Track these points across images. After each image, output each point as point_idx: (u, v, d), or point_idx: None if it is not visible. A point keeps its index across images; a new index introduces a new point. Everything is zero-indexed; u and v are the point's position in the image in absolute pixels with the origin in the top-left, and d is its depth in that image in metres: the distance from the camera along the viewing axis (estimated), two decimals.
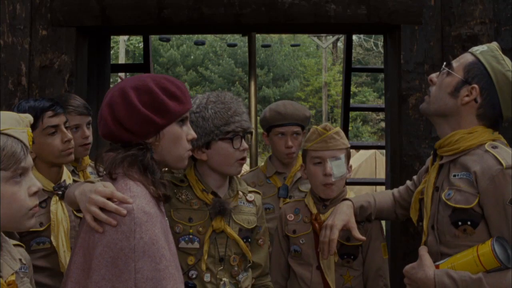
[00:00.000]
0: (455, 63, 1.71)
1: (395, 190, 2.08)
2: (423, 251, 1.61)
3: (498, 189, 1.51)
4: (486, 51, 1.68)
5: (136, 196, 1.27)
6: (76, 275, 1.26)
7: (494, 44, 1.72)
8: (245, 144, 1.83)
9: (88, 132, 2.17)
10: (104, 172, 1.37)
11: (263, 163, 2.70)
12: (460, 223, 1.58)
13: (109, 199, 1.25)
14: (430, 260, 1.58)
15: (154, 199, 1.32)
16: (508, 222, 1.49)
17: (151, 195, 1.31)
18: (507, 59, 1.67)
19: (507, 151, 1.56)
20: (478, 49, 1.70)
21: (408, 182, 2.04)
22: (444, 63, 1.74)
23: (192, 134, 1.45)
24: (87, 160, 2.22)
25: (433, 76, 1.76)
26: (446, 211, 1.62)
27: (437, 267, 1.57)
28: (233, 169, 1.83)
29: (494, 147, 1.59)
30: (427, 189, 1.73)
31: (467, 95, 1.64)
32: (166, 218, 1.39)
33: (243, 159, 1.84)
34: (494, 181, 1.51)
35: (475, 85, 1.64)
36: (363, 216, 1.97)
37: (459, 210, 1.59)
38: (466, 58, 1.70)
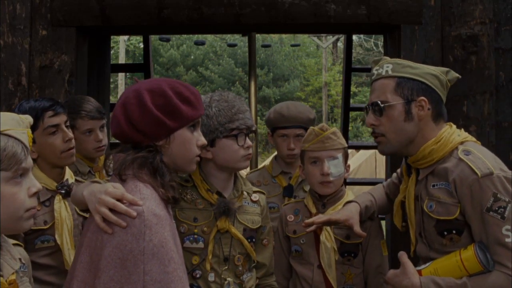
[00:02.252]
0: (384, 96, 1.70)
1: (385, 183, 2.11)
2: (404, 258, 1.61)
3: (475, 198, 1.54)
4: (395, 67, 1.71)
5: (146, 198, 1.27)
6: (82, 274, 1.26)
7: (387, 58, 1.77)
8: (249, 142, 1.83)
9: (101, 135, 2.19)
10: (114, 173, 1.37)
11: (268, 163, 2.71)
12: (445, 232, 1.63)
13: (119, 200, 1.26)
14: (413, 267, 1.59)
15: (163, 201, 1.32)
16: (486, 229, 1.53)
17: (160, 198, 1.32)
18: (411, 62, 1.72)
19: (479, 157, 1.59)
20: (385, 70, 1.72)
21: (393, 176, 2.08)
22: (368, 104, 1.74)
23: (202, 140, 1.46)
24: (103, 160, 2.23)
25: (371, 119, 1.74)
26: (431, 222, 1.66)
27: (419, 272, 1.58)
28: (240, 164, 1.82)
29: (467, 153, 1.61)
30: (408, 200, 1.76)
31: (420, 110, 1.67)
32: (174, 221, 1.40)
33: (248, 155, 1.85)
34: (471, 190, 1.55)
35: (421, 97, 1.67)
36: (368, 215, 1.98)
37: (443, 221, 1.62)
38: (387, 83, 1.71)
